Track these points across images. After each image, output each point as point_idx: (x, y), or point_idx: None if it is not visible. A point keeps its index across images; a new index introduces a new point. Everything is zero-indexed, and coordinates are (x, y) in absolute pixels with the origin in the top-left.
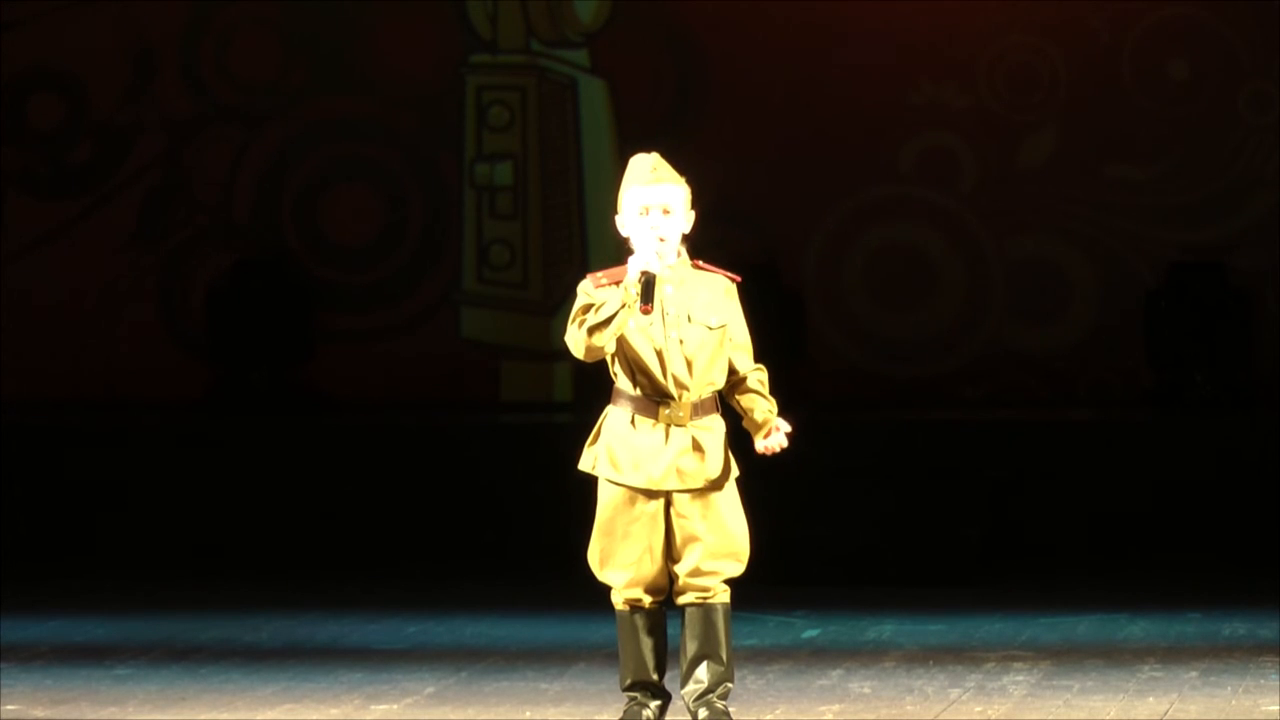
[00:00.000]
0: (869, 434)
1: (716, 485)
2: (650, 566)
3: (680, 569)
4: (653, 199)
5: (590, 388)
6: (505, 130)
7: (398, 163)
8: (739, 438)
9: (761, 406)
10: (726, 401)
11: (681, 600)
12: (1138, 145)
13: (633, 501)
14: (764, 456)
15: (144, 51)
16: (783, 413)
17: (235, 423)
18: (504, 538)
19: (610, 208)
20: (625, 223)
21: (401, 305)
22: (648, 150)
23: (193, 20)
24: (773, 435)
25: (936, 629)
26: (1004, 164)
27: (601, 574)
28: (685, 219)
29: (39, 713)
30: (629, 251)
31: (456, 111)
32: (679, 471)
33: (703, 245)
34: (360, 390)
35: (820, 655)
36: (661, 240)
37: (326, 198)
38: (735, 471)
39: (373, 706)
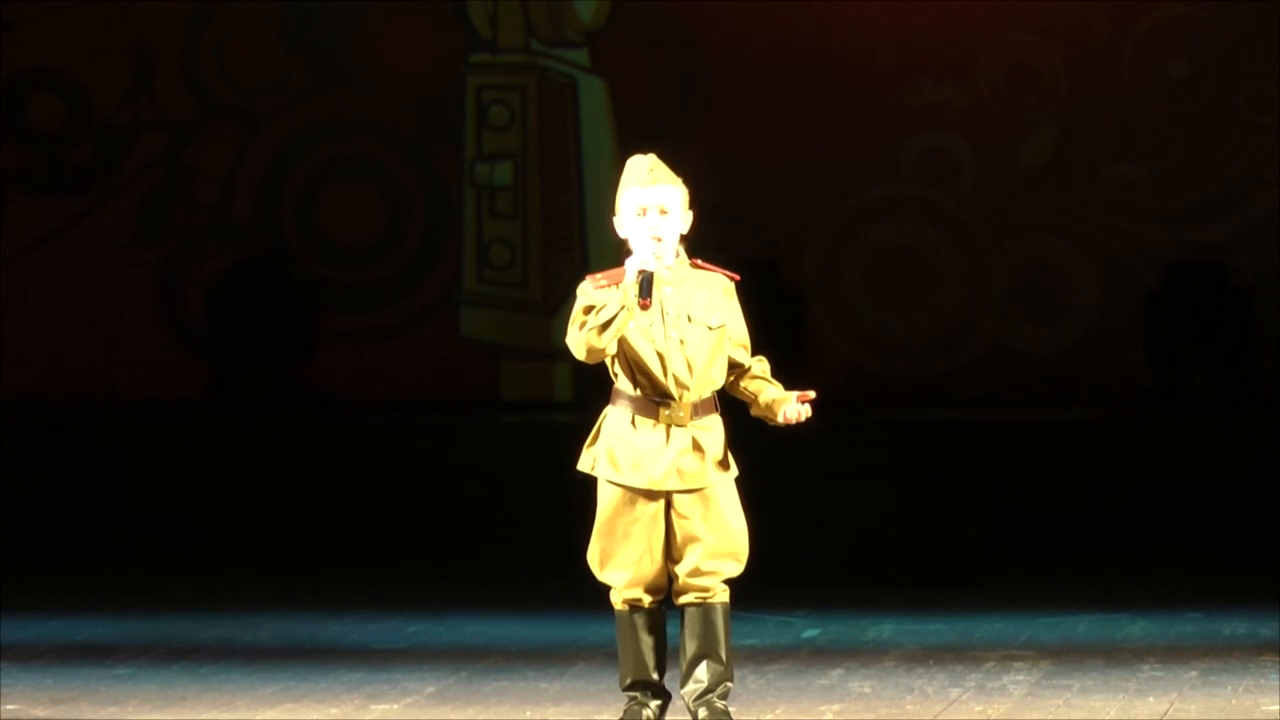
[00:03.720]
0: (869, 434)
1: (716, 485)
2: (650, 566)
3: (680, 569)
4: (650, 200)
5: (590, 388)
6: (505, 130)
7: (398, 163)
8: (737, 437)
9: (769, 389)
10: (729, 396)
11: (681, 600)
12: (1138, 145)
13: (633, 502)
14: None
15: (144, 51)
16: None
17: (235, 423)
18: (504, 538)
19: (610, 207)
20: (623, 224)
21: (401, 305)
22: (647, 150)
23: (193, 20)
24: (793, 405)
25: (936, 629)
26: (1004, 164)
27: (601, 574)
28: (683, 219)
29: (39, 713)
30: (628, 252)
31: (456, 111)
32: (679, 472)
33: (703, 245)
34: (360, 390)
35: (820, 655)
36: (658, 240)
37: (326, 198)
38: (735, 471)
39: (373, 706)
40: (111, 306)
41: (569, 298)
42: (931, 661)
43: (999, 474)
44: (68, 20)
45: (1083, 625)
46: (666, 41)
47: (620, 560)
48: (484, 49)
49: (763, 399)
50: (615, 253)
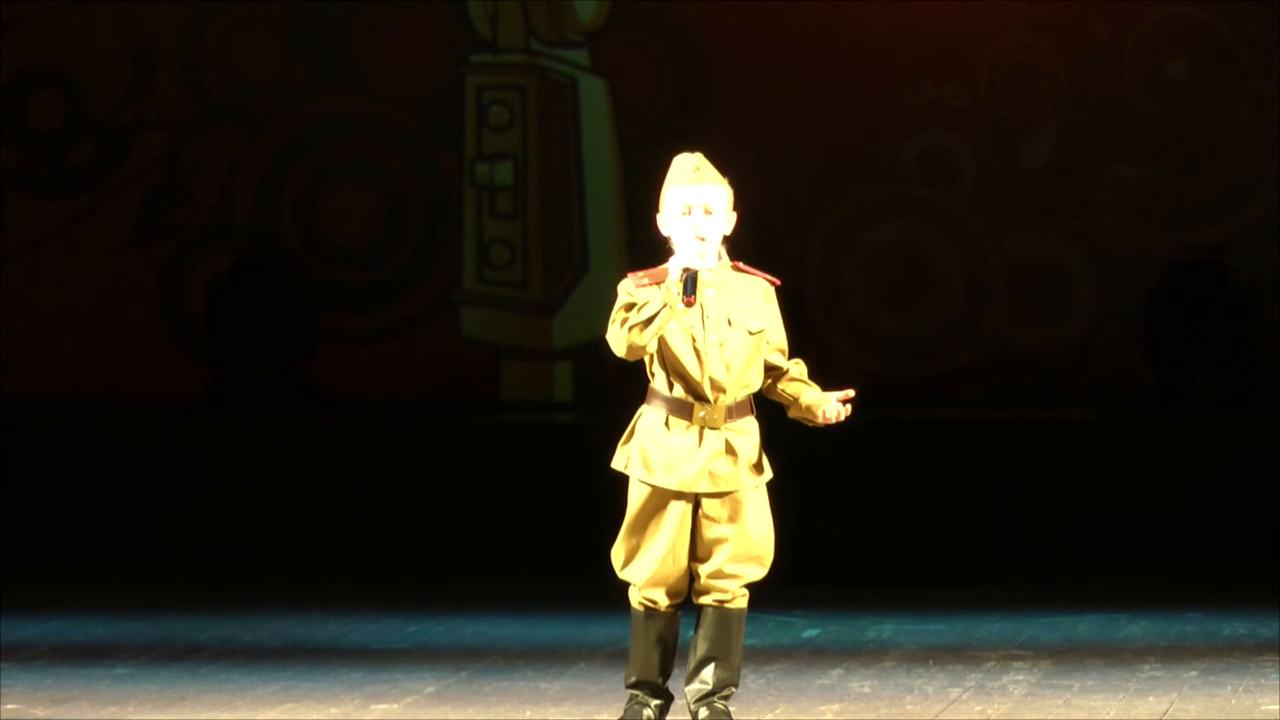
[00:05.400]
0: (869, 434)
1: (747, 489)
2: (672, 568)
3: (704, 569)
4: (695, 199)
5: (590, 388)
6: (505, 130)
7: (398, 163)
8: (772, 441)
9: (807, 391)
10: (766, 400)
11: (701, 600)
12: (1138, 145)
13: (663, 502)
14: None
15: (144, 51)
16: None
17: (235, 423)
18: (504, 538)
19: (609, 208)
20: (666, 222)
21: (401, 305)
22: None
23: (193, 20)
24: (832, 405)
25: (936, 629)
26: (1004, 164)
27: (623, 572)
28: (727, 220)
29: (39, 713)
30: (669, 251)
31: (456, 111)
32: (711, 474)
33: None
34: (360, 390)
35: (820, 655)
36: (702, 240)
37: (326, 198)
38: (769, 475)
39: (373, 706)
40: (111, 306)
41: (568, 298)
42: (931, 661)
43: (999, 474)
44: (68, 20)
45: (1083, 625)
46: (666, 41)
47: (644, 560)
48: (484, 49)
49: (802, 400)
50: (615, 252)
